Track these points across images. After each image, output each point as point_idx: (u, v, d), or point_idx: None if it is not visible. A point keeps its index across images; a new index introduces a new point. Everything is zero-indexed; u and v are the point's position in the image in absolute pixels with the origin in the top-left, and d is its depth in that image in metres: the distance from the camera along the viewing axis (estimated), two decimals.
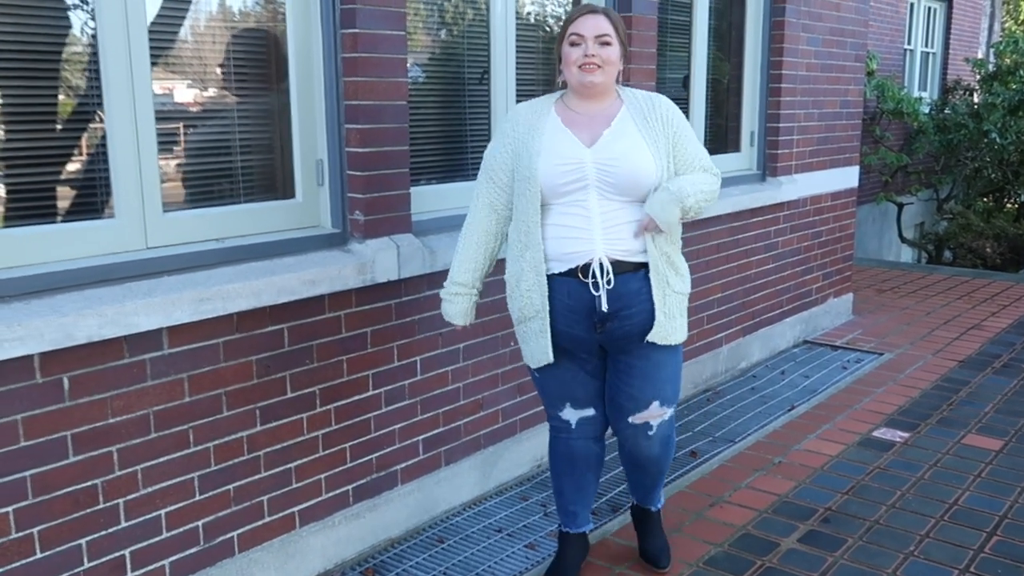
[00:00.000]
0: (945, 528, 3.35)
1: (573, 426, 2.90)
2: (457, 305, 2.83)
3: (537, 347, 2.76)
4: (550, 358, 2.74)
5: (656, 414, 2.81)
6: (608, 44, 2.63)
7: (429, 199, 3.46)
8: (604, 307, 2.65)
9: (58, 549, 2.42)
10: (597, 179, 2.63)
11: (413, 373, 3.33)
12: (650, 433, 2.84)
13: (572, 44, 2.64)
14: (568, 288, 2.68)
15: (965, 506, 3.52)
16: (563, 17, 4.02)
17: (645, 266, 2.69)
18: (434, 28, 3.49)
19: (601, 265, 2.64)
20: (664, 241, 2.70)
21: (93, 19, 2.48)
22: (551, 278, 2.70)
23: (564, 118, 2.71)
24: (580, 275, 2.66)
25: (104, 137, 2.55)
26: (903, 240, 11.34)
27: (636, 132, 2.68)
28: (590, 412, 2.88)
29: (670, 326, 2.73)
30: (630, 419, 2.83)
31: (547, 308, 2.70)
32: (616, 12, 2.73)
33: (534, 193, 2.64)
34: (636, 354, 2.76)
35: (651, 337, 2.71)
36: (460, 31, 3.57)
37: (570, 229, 2.66)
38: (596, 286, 2.64)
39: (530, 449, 3.87)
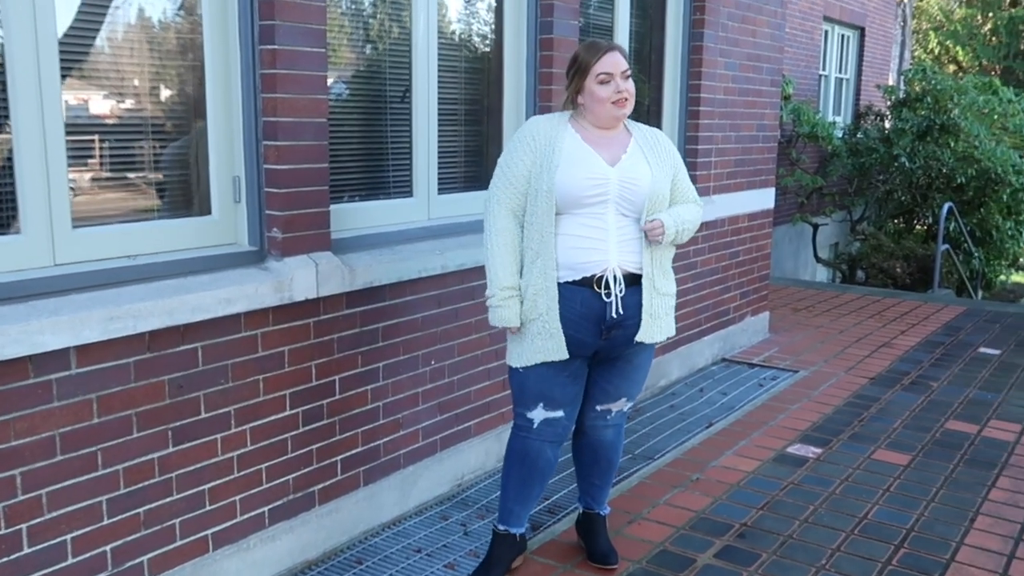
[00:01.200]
0: (856, 542, 3.44)
1: (534, 426, 3.03)
2: (511, 308, 2.93)
3: (533, 347, 2.92)
4: (565, 354, 2.90)
5: (618, 405, 3.13)
6: (629, 77, 2.92)
7: (349, 217, 3.44)
8: (616, 314, 2.87)
9: None
10: (618, 195, 2.85)
11: (331, 392, 3.29)
12: (608, 418, 3.14)
13: (602, 82, 2.86)
14: (581, 297, 2.87)
15: (875, 520, 3.62)
16: (490, 36, 4.05)
17: (641, 277, 2.92)
18: (356, 45, 3.48)
19: (615, 276, 2.86)
20: (662, 250, 2.95)
21: None
22: (562, 286, 2.87)
23: (584, 136, 2.93)
24: (595, 285, 2.85)
25: (11, 151, 2.47)
26: (818, 260, 11.66)
27: (646, 159, 2.94)
28: (559, 414, 3.02)
29: (655, 326, 2.96)
30: (597, 407, 3.11)
31: (552, 312, 2.87)
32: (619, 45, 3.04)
33: (550, 204, 2.83)
34: (624, 356, 3.02)
35: (639, 337, 2.93)
36: (382, 49, 3.56)
37: (585, 240, 2.86)
38: (609, 295, 2.85)
39: (451, 468, 3.86)
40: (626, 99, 2.90)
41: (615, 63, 2.87)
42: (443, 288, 3.68)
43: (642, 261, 2.90)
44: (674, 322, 3.05)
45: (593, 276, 2.86)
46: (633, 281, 2.90)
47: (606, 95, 2.87)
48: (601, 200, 2.84)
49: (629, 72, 2.92)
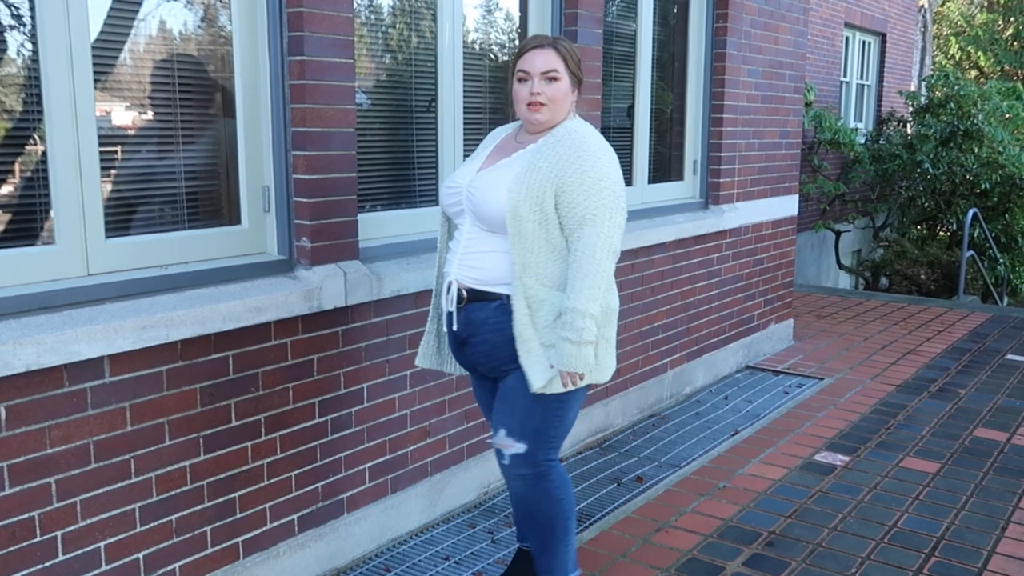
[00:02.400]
0: (885, 550, 3.41)
1: None
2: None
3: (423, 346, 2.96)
4: (423, 362, 2.94)
5: (505, 444, 2.71)
6: (555, 80, 2.61)
7: (376, 226, 3.46)
8: (455, 328, 2.73)
9: None
10: (469, 206, 2.65)
11: (360, 400, 3.30)
12: (503, 461, 2.75)
13: (519, 80, 2.64)
14: (440, 307, 2.87)
15: (904, 528, 3.59)
16: (514, 45, 4.07)
17: (502, 297, 2.63)
18: (383, 56, 3.50)
19: (448, 289, 2.72)
20: (532, 278, 2.56)
21: (31, 40, 2.44)
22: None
23: (503, 142, 2.77)
24: (446, 296, 2.75)
25: (45, 161, 2.50)
26: (841, 267, 11.59)
27: (519, 167, 2.58)
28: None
29: (526, 361, 2.57)
30: (490, 439, 3.03)
31: (433, 322, 2.90)
32: (567, 40, 2.71)
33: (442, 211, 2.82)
34: (503, 380, 2.72)
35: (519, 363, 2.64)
36: (408, 59, 3.59)
37: (449, 251, 2.78)
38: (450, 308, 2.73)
39: (477, 476, 3.87)
40: (541, 104, 2.60)
41: (539, 62, 2.60)
42: None
43: (486, 278, 2.63)
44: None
45: (447, 287, 2.72)
46: (480, 298, 2.64)
47: (521, 96, 2.63)
48: (459, 210, 2.68)
49: (556, 74, 2.61)
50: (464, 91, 3.80)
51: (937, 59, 19.94)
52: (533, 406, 2.64)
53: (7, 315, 2.38)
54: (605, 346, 2.65)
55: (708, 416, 5.01)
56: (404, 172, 3.63)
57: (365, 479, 3.37)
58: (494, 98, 3.99)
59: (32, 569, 2.43)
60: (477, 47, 3.90)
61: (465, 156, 3.85)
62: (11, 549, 2.38)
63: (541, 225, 2.54)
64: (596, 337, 2.52)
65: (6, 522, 2.36)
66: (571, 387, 2.58)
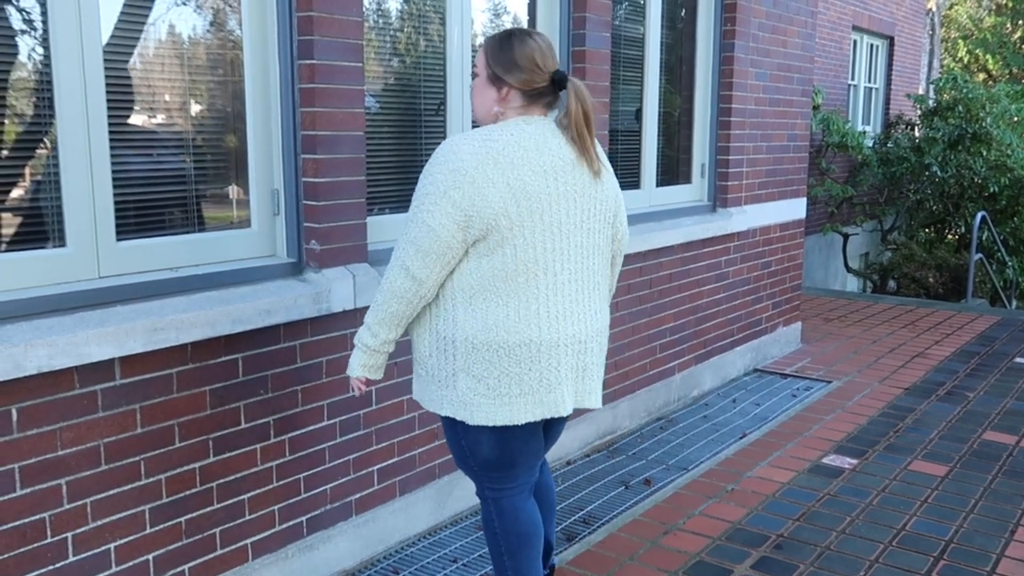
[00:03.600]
0: (894, 553, 3.41)
1: None
2: None
3: None
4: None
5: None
6: (475, 75, 2.52)
7: (385, 228, 3.47)
8: None
9: None
10: None
11: (368, 403, 3.31)
12: None
13: None
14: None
15: (913, 531, 3.59)
16: None
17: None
18: (392, 59, 3.52)
19: None
20: (435, 309, 2.44)
21: (42, 45, 2.46)
22: None
23: None
24: None
25: (56, 164, 2.52)
26: (849, 270, 11.57)
27: None
28: None
29: (418, 387, 2.56)
30: None
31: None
32: (493, 39, 2.46)
33: None
34: None
35: None
36: (417, 62, 3.60)
37: None
38: None
39: None
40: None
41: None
42: None
43: None
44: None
45: None
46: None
47: None
48: None
49: (475, 70, 2.52)
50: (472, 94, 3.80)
51: (945, 62, 19.91)
52: (445, 430, 2.60)
53: (19, 317, 2.39)
54: (468, 381, 2.39)
55: (716, 419, 5.01)
56: (413, 175, 3.64)
57: (374, 481, 3.38)
58: None
59: (43, 570, 2.44)
60: None
61: None
62: (23, 550, 2.39)
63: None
64: (367, 346, 2.44)
65: (18, 523, 2.38)
66: (354, 390, 2.54)
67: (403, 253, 2.34)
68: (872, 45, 12.56)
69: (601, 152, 2.53)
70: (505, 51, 2.41)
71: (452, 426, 2.54)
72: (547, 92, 2.44)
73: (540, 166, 2.34)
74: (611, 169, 2.56)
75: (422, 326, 2.47)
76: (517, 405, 2.40)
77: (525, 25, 4.07)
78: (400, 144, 3.58)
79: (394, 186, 3.57)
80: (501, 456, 2.52)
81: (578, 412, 4.35)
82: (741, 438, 4.68)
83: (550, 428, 2.74)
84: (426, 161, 3.61)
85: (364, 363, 2.48)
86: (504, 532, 2.63)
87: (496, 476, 2.58)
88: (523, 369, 2.37)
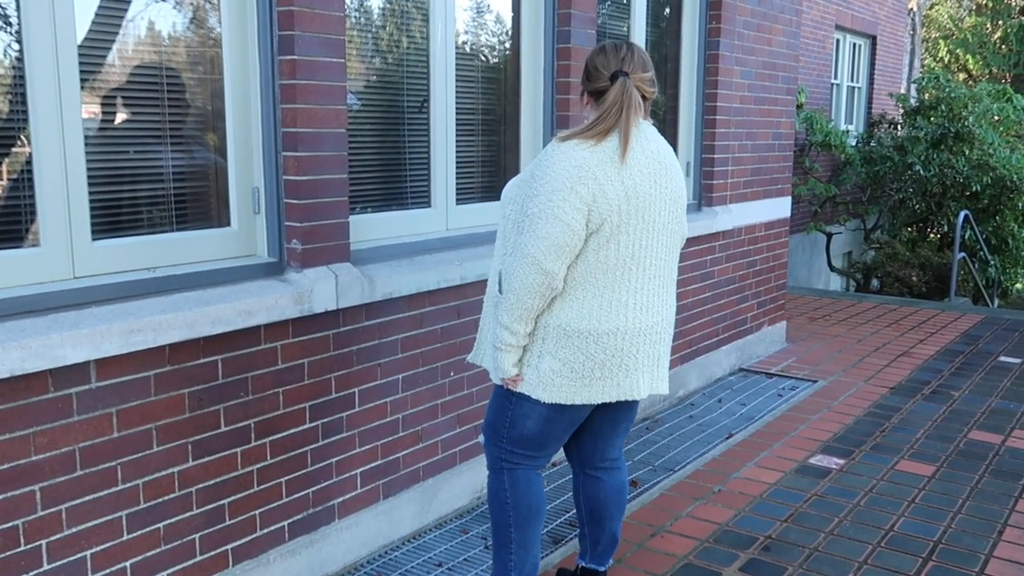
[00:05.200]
0: (882, 555, 3.38)
1: None
2: None
3: None
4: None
5: (479, 432, 2.87)
6: None
7: (368, 228, 3.42)
8: None
9: None
10: None
11: (351, 405, 3.26)
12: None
13: None
14: None
15: (901, 532, 3.56)
16: (506, 46, 4.03)
17: None
18: (374, 56, 3.46)
19: None
20: (497, 277, 2.70)
21: (17, 41, 2.39)
22: None
23: None
24: None
25: (30, 163, 2.45)
26: (832, 269, 11.59)
27: None
28: None
29: (484, 352, 2.81)
30: None
31: None
32: (601, 46, 2.64)
33: None
34: None
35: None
36: (400, 59, 3.54)
37: None
38: None
39: (470, 480, 3.82)
40: None
41: None
42: (462, 299, 3.65)
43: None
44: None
45: None
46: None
47: None
48: None
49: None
50: (457, 92, 3.76)
51: (926, 62, 20.00)
52: (493, 399, 2.77)
53: None
54: (553, 363, 2.55)
55: (702, 419, 4.98)
56: (396, 173, 3.58)
57: (357, 484, 3.32)
58: (487, 99, 3.95)
59: None
60: (469, 47, 3.86)
61: (457, 158, 3.82)
62: None
63: (511, 230, 2.65)
64: (511, 345, 2.57)
65: None
66: (510, 387, 2.65)
67: (532, 249, 2.45)
68: (855, 44, 12.59)
69: (673, 157, 2.67)
70: (587, 61, 2.64)
71: (506, 398, 2.69)
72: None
73: (647, 168, 2.53)
74: (679, 167, 2.71)
75: (508, 307, 2.59)
76: (596, 387, 2.57)
77: (509, 22, 4.02)
78: (383, 142, 3.52)
79: (377, 184, 3.51)
80: (540, 434, 2.70)
81: None
82: (727, 438, 4.65)
83: (623, 413, 2.84)
84: (408, 158, 3.56)
85: (514, 361, 2.60)
86: (515, 503, 2.76)
87: (522, 452, 2.74)
88: (607, 355, 2.55)
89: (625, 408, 2.84)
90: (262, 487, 2.99)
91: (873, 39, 12.87)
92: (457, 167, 3.81)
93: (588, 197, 2.44)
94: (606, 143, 2.49)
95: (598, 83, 2.59)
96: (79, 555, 2.51)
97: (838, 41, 11.96)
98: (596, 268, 2.50)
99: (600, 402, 2.62)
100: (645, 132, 2.58)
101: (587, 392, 2.57)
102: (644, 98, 2.60)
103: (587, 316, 2.51)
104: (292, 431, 3.06)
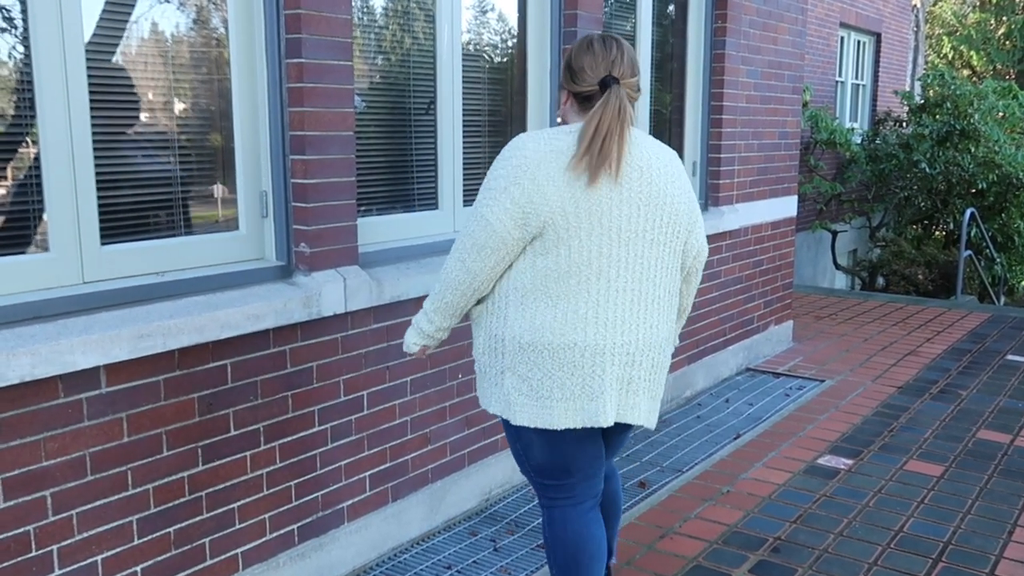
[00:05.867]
0: (892, 556, 3.38)
1: None
2: None
3: None
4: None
5: None
6: None
7: (376, 230, 3.41)
8: None
9: None
10: None
11: (360, 408, 3.26)
12: None
13: None
14: None
15: (910, 533, 3.56)
16: (512, 46, 4.02)
17: None
18: (381, 58, 3.46)
19: None
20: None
21: (22, 44, 2.39)
22: None
23: None
24: None
25: (38, 167, 2.45)
26: (837, 267, 11.57)
27: None
28: None
29: (477, 384, 2.57)
30: None
31: None
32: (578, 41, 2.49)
33: None
34: None
35: None
36: (406, 61, 3.54)
37: None
38: None
39: (478, 483, 3.82)
40: None
41: None
42: None
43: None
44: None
45: None
46: None
47: None
48: None
49: None
50: (463, 93, 3.75)
51: (930, 59, 19.95)
52: (506, 433, 2.59)
53: (0, 325, 2.32)
54: (513, 380, 2.38)
55: (709, 419, 4.97)
56: (403, 176, 3.58)
57: (366, 487, 3.32)
58: (493, 100, 3.95)
59: None
60: (476, 48, 3.85)
61: (465, 159, 3.81)
62: (5, 564, 2.32)
63: None
64: (422, 331, 2.50)
65: (1, 536, 2.31)
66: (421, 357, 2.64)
67: (461, 245, 2.35)
68: (859, 42, 12.56)
69: (668, 162, 2.43)
70: (570, 57, 2.42)
71: (507, 427, 2.53)
72: (599, 98, 2.35)
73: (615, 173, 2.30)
74: (687, 181, 2.47)
75: (479, 324, 2.47)
76: (558, 410, 2.35)
77: (515, 22, 4.02)
78: (390, 144, 3.52)
79: (384, 187, 3.51)
80: (553, 461, 2.49)
81: None
82: (735, 439, 4.64)
83: (612, 437, 2.67)
84: (415, 160, 3.56)
85: (417, 342, 2.55)
86: (551, 542, 2.59)
87: (550, 484, 2.54)
88: (565, 373, 2.32)
89: (617, 433, 2.65)
90: (271, 491, 2.98)
91: (878, 36, 12.84)
92: (464, 168, 3.81)
93: (522, 199, 2.26)
94: (563, 140, 2.31)
95: (584, 87, 2.37)
96: (90, 560, 2.51)
97: (842, 39, 11.93)
98: (547, 275, 2.30)
99: (565, 428, 2.37)
100: (632, 139, 2.37)
101: (549, 415, 2.35)
102: (631, 102, 2.39)
103: (540, 327, 2.31)
104: (301, 434, 3.06)
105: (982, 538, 3.51)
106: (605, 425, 2.36)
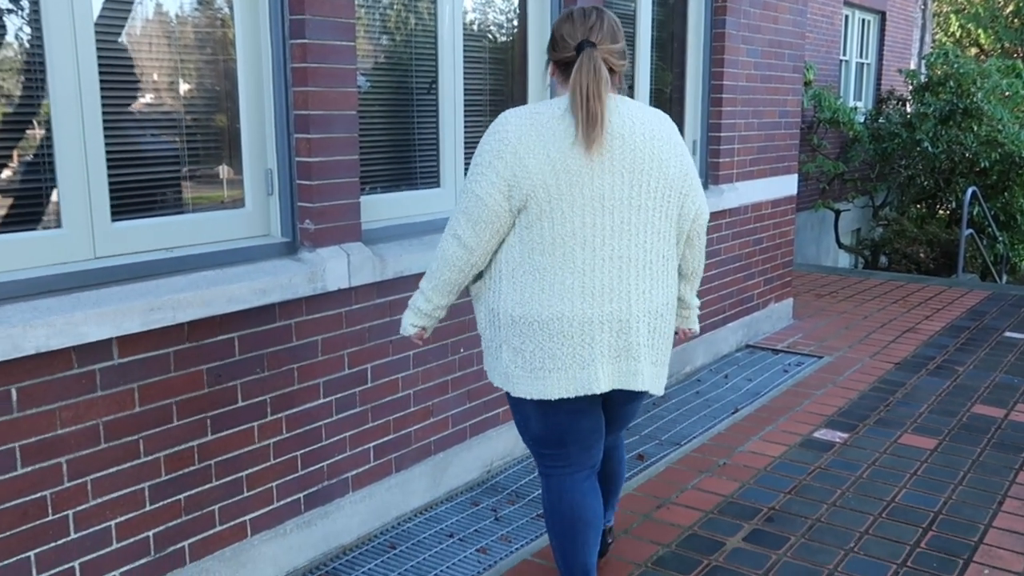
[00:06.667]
0: (883, 525, 3.46)
1: None
2: None
3: None
4: None
5: None
6: None
7: (379, 208, 3.49)
8: None
9: (7, 562, 2.39)
10: None
11: (364, 381, 3.34)
12: None
13: None
14: None
15: (902, 503, 3.64)
16: (513, 26, 4.08)
17: None
18: (383, 38, 3.52)
19: None
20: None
21: (30, 25, 2.46)
22: None
23: None
24: None
25: (50, 146, 2.53)
26: (840, 246, 11.62)
27: None
28: None
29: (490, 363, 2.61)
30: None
31: None
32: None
33: None
34: None
35: None
36: (408, 41, 3.60)
37: None
38: None
39: (480, 454, 3.91)
40: None
41: None
42: None
43: None
44: (497, 368, 2.55)
45: None
46: None
47: None
48: None
49: None
50: (465, 73, 3.82)
51: (937, 37, 19.87)
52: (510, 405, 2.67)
53: (17, 298, 2.41)
54: (508, 352, 2.45)
55: (708, 395, 5.05)
56: (406, 154, 3.65)
57: (370, 458, 3.42)
58: (494, 79, 4.01)
59: (45, 547, 2.47)
60: (477, 28, 3.91)
61: (466, 138, 3.88)
62: (24, 527, 2.42)
63: None
64: (420, 309, 2.56)
65: (19, 501, 2.40)
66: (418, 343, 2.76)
67: (455, 222, 2.41)
68: (864, 20, 12.54)
69: (656, 127, 2.43)
70: (553, 27, 2.47)
71: (509, 398, 2.60)
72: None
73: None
74: (680, 145, 2.47)
75: (478, 299, 2.55)
76: (551, 380, 2.41)
77: (516, 2, 4.07)
78: (393, 123, 3.58)
79: (387, 165, 3.58)
80: (548, 432, 2.56)
81: None
82: (733, 413, 4.72)
83: (618, 408, 2.71)
84: (417, 139, 3.63)
85: (414, 323, 2.61)
86: (547, 511, 2.66)
87: (546, 453, 2.62)
88: (556, 344, 2.38)
89: (621, 405, 2.70)
90: (278, 460, 3.08)
91: (882, 15, 12.82)
92: (466, 147, 3.88)
93: (506, 173, 2.33)
94: (544, 114, 2.36)
95: (563, 53, 2.40)
96: (104, 525, 2.61)
97: (847, 17, 11.92)
98: (533, 248, 2.36)
99: (558, 397, 2.43)
100: (612, 107, 2.39)
101: (543, 385, 2.42)
102: (612, 71, 2.41)
103: (529, 300, 2.37)
104: (307, 406, 3.14)
105: (972, 508, 3.59)
106: (597, 392, 2.42)
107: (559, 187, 2.32)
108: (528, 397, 2.45)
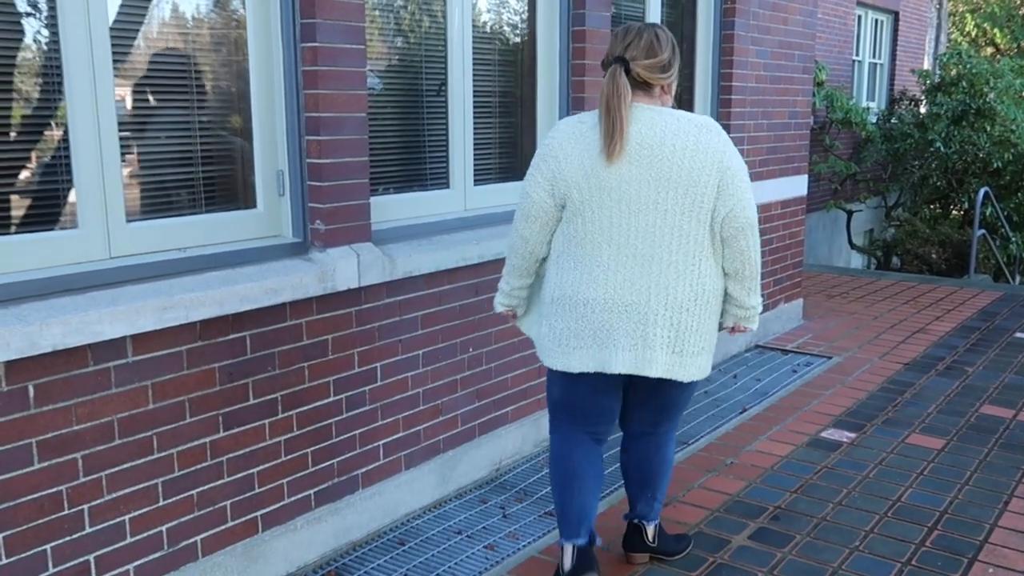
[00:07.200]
0: (889, 524, 3.48)
1: None
2: None
3: None
4: None
5: None
6: None
7: (389, 208, 3.53)
8: None
9: (23, 555, 2.45)
10: None
11: (373, 379, 3.39)
12: None
13: None
14: None
15: (908, 503, 3.66)
16: (523, 28, 4.12)
17: None
18: (393, 40, 3.57)
19: None
20: None
21: (47, 27, 2.52)
22: None
23: None
24: None
25: (67, 147, 2.58)
26: (852, 246, 11.60)
27: None
28: None
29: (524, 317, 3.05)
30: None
31: None
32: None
33: None
34: None
35: None
36: (418, 43, 3.65)
37: None
38: None
39: (488, 453, 3.95)
40: None
41: None
42: (480, 277, 3.77)
43: None
44: (540, 346, 2.87)
45: None
46: None
47: None
48: None
49: None
50: (474, 75, 3.86)
51: (953, 36, 19.80)
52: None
53: (33, 297, 2.47)
54: (544, 328, 2.78)
55: (717, 394, 5.08)
56: (415, 155, 3.69)
57: (379, 456, 3.46)
58: (503, 81, 4.05)
59: (61, 541, 2.53)
60: (486, 30, 3.95)
61: (475, 139, 3.92)
62: (41, 521, 2.48)
63: None
64: (502, 290, 2.92)
65: (36, 495, 2.46)
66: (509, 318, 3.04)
67: (515, 215, 2.79)
68: (877, 20, 12.52)
69: (689, 136, 2.59)
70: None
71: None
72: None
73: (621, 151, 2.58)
74: (717, 151, 2.59)
75: (539, 280, 2.93)
76: (575, 356, 2.71)
77: (525, 4, 4.11)
78: (402, 124, 3.63)
79: (397, 166, 3.63)
80: (566, 398, 2.87)
81: None
82: (741, 413, 4.75)
83: (643, 395, 2.90)
84: (427, 141, 3.68)
85: (502, 302, 2.96)
86: (552, 464, 2.95)
87: (558, 414, 2.92)
88: (582, 324, 2.68)
89: (643, 388, 2.87)
90: (289, 457, 3.13)
91: (895, 15, 12.80)
92: (475, 149, 3.92)
93: (549, 174, 2.67)
94: (586, 124, 2.65)
95: (605, 68, 2.68)
96: (118, 519, 2.66)
97: (859, 17, 11.91)
98: (570, 240, 2.68)
99: (579, 371, 2.73)
100: (637, 117, 2.59)
101: (567, 359, 2.72)
102: (648, 84, 2.64)
103: (566, 283, 2.69)
104: (317, 404, 3.19)
105: (978, 508, 3.61)
106: (612, 371, 2.69)
107: (589, 190, 2.62)
108: (555, 368, 2.77)
